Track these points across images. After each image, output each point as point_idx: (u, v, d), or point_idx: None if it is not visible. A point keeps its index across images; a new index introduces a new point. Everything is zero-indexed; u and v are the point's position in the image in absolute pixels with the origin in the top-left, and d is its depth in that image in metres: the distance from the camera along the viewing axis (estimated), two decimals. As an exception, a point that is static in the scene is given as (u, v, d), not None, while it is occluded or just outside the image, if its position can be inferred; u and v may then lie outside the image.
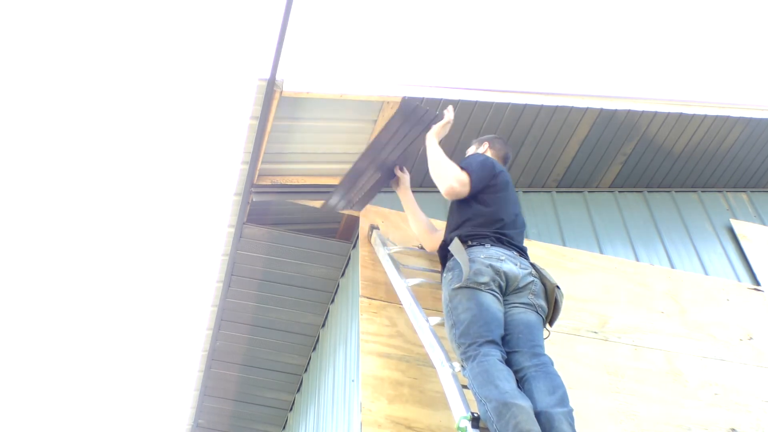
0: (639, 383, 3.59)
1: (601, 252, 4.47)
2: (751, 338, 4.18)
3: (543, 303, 3.05)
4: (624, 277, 4.21)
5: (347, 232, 4.50)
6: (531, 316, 2.98)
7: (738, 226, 5.10)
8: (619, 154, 4.85)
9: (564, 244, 4.38)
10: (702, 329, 4.09)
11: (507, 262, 3.03)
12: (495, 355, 2.73)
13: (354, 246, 4.26)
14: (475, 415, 2.51)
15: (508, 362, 2.80)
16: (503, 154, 3.60)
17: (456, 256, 3.03)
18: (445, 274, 3.12)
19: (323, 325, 4.80)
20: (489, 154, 3.56)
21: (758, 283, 4.69)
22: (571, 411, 2.63)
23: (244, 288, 4.65)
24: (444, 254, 3.20)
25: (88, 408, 14.52)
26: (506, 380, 2.61)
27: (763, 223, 5.35)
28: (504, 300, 2.98)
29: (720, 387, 3.78)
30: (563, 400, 2.66)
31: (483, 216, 3.20)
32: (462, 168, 3.27)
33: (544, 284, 3.09)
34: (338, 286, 4.54)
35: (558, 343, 3.56)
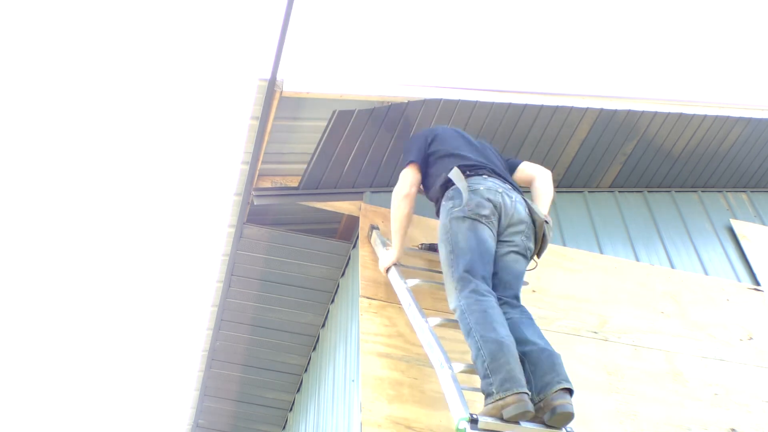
0: (639, 383, 3.59)
1: (601, 252, 4.47)
2: (751, 338, 4.18)
3: (531, 245, 3.15)
4: (624, 277, 4.21)
5: (347, 232, 4.50)
6: (521, 264, 3.11)
7: (738, 226, 5.10)
8: (619, 154, 4.85)
9: (564, 244, 4.38)
10: (702, 329, 4.09)
11: (504, 195, 3.12)
12: (490, 295, 2.85)
13: (354, 246, 4.26)
14: (475, 416, 2.51)
15: None
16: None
17: (457, 183, 3.11)
18: (444, 203, 3.18)
19: (323, 325, 4.81)
20: None
21: (758, 283, 4.69)
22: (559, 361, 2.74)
23: (244, 288, 4.65)
24: (443, 185, 3.26)
25: (89, 408, 14.53)
26: (503, 326, 2.72)
27: (763, 223, 5.35)
28: (498, 236, 3.08)
29: (720, 387, 3.78)
30: (553, 348, 2.79)
31: (444, 153, 3.34)
32: (403, 169, 3.43)
33: (533, 220, 3.16)
34: (338, 286, 4.54)
35: (558, 343, 3.55)
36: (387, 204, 4.08)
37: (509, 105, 4.24)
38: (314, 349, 5.00)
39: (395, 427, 2.99)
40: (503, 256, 3.07)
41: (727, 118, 4.99)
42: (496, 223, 3.06)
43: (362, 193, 4.20)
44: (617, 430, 3.33)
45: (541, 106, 4.32)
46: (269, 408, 5.58)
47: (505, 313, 2.88)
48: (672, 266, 4.61)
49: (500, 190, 3.13)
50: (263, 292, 4.66)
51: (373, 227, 3.84)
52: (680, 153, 5.05)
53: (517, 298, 3.04)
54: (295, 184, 4.16)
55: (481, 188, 3.10)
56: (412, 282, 3.38)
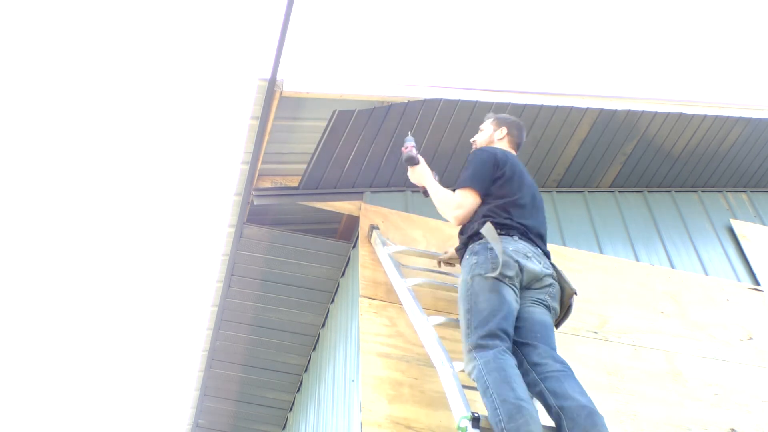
0: (639, 383, 3.59)
1: (601, 252, 4.47)
2: (751, 338, 4.18)
3: (557, 306, 3.05)
4: (624, 277, 4.21)
5: (347, 232, 4.50)
6: (547, 318, 2.98)
7: (738, 226, 5.10)
8: (619, 154, 4.85)
9: (564, 244, 4.38)
10: (702, 329, 4.09)
11: (533, 260, 3.00)
12: (509, 355, 2.71)
13: (354, 246, 4.26)
14: (476, 414, 2.50)
15: (523, 354, 2.81)
16: (518, 141, 3.51)
17: (491, 242, 2.95)
18: (468, 257, 3.04)
19: (323, 325, 4.80)
20: (506, 141, 3.46)
21: (758, 283, 4.69)
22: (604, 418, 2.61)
23: (244, 288, 4.65)
24: (468, 237, 3.12)
25: (89, 408, 14.52)
26: (521, 385, 2.60)
27: (763, 223, 5.35)
28: (521, 293, 2.96)
29: (720, 387, 3.78)
30: (596, 407, 2.64)
31: (501, 200, 3.14)
32: (458, 187, 3.22)
33: (562, 287, 3.07)
34: (338, 286, 4.54)
35: (558, 343, 3.55)
36: (387, 204, 4.09)
37: (509, 105, 4.24)
38: (314, 349, 5.00)
39: (395, 427, 2.99)
40: (528, 307, 2.95)
41: (727, 118, 4.98)
42: (518, 284, 2.94)
43: (362, 193, 4.20)
44: (617, 430, 3.33)
45: (541, 106, 4.32)
46: (269, 408, 5.58)
47: (545, 364, 2.77)
48: (672, 266, 4.61)
49: (529, 254, 3.01)
50: (263, 292, 4.66)
51: (373, 227, 3.84)
52: (680, 153, 5.05)
53: (553, 348, 2.88)
54: (295, 184, 4.16)
55: (510, 249, 2.96)
56: (413, 281, 3.38)
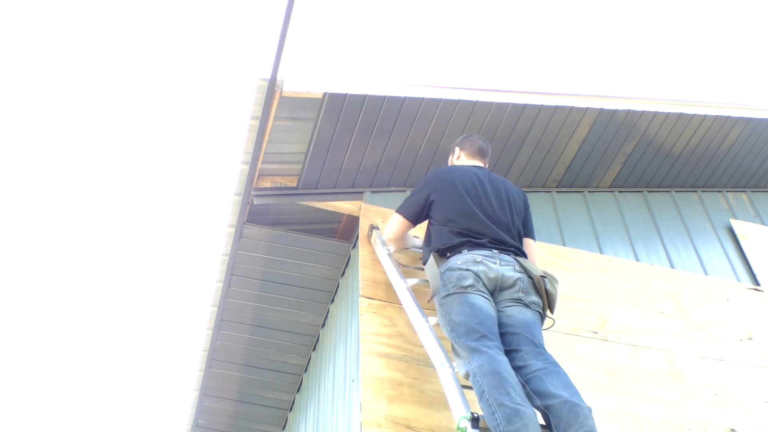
0: (639, 383, 3.59)
1: (601, 252, 4.47)
2: (750, 338, 4.18)
3: (535, 298, 3.04)
4: (624, 277, 4.21)
5: (347, 232, 4.50)
6: (527, 314, 2.98)
7: (738, 226, 5.10)
8: (619, 154, 4.85)
9: (564, 244, 4.38)
10: (702, 329, 4.09)
11: (483, 263, 3.03)
12: (502, 356, 2.73)
13: (354, 246, 4.26)
14: (476, 415, 2.51)
15: (511, 359, 2.80)
16: (476, 149, 3.61)
17: (427, 272, 3.19)
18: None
19: (323, 325, 4.81)
20: (462, 156, 3.61)
21: (758, 283, 4.69)
22: (591, 408, 2.63)
23: (244, 288, 4.65)
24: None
25: (89, 408, 14.53)
26: (517, 388, 2.61)
27: (763, 223, 5.35)
28: (496, 300, 2.99)
29: (720, 387, 3.78)
30: (581, 398, 2.66)
31: (441, 221, 3.28)
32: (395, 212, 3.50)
33: (530, 278, 3.07)
34: (338, 286, 4.54)
35: (558, 343, 3.56)
36: (387, 204, 4.09)
37: (509, 105, 4.24)
38: (314, 349, 5.00)
39: (395, 427, 2.99)
40: (505, 309, 2.98)
41: (727, 118, 4.98)
42: (484, 289, 2.97)
43: (362, 193, 4.20)
44: (617, 430, 3.33)
45: (541, 106, 4.32)
46: (269, 408, 5.58)
47: (527, 366, 2.78)
48: (672, 266, 4.61)
49: (479, 259, 3.04)
50: (263, 292, 4.66)
51: (373, 227, 3.84)
52: (680, 153, 5.06)
53: (536, 345, 2.89)
54: (295, 184, 4.16)
55: (459, 262, 3.04)
56: (413, 282, 3.38)
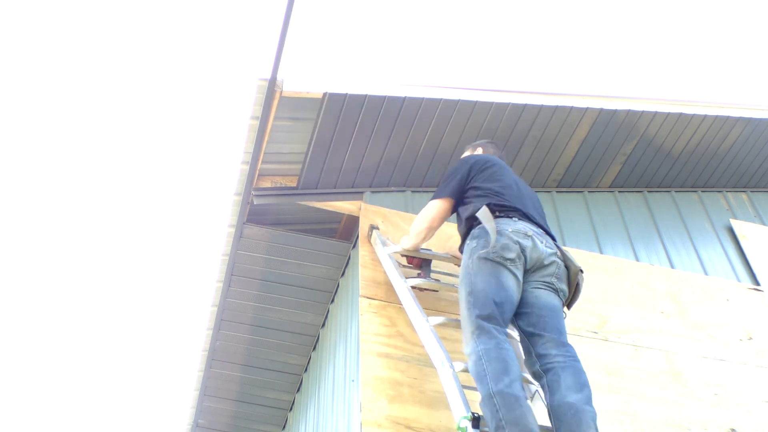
0: (639, 383, 3.59)
1: (601, 252, 4.47)
2: (751, 338, 4.18)
3: (564, 287, 3.00)
4: (624, 277, 4.21)
5: (347, 232, 4.50)
6: (554, 300, 2.94)
7: (738, 226, 5.10)
8: (619, 154, 4.85)
9: (564, 244, 4.37)
10: (702, 329, 4.09)
11: (534, 239, 2.97)
12: (508, 344, 2.70)
13: (354, 246, 4.26)
14: (476, 415, 2.51)
15: (531, 343, 2.80)
16: (499, 156, 3.64)
17: (484, 223, 2.96)
18: (468, 241, 3.04)
19: (323, 325, 4.81)
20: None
21: (758, 283, 4.69)
22: (596, 414, 2.59)
23: (244, 288, 4.65)
24: (469, 225, 3.14)
25: (89, 408, 14.53)
26: (519, 381, 2.59)
27: (763, 223, 5.35)
28: (525, 277, 2.93)
29: (720, 387, 3.78)
30: (590, 400, 2.62)
31: (486, 190, 3.18)
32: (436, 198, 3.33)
33: (567, 267, 3.03)
34: (338, 286, 4.54)
35: (558, 343, 3.56)
36: (387, 204, 4.09)
37: (509, 105, 4.24)
38: (314, 349, 5.00)
39: (395, 427, 2.99)
40: (533, 290, 2.92)
41: (727, 118, 4.99)
42: (521, 267, 2.90)
43: (362, 193, 4.20)
44: (617, 430, 3.33)
45: (541, 106, 4.32)
46: (269, 408, 5.58)
47: (547, 355, 2.75)
48: (672, 266, 4.61)
49: (530, 233, 2.97)
50: (263, 292, 4.66)
51: (373, 227, 3.84)
52: (680, 153, 5.06)
53: (560, 332, 2.84)
54: (295, 184, 4.16)
55: (509, 230, 2.94)
56: (413, 281, 3.38)
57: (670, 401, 3.58)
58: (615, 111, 4.56)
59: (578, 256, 4.22)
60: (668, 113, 4.73)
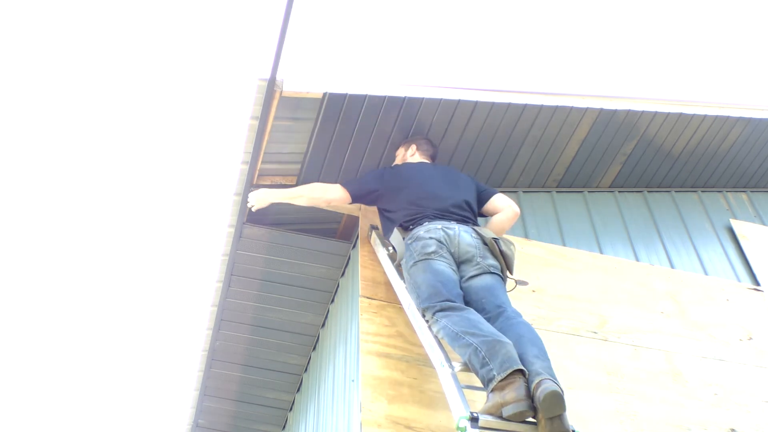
0: (639, 383, 3.59)
1: (601, 252, 4.47)
2: (751, 338, 4.18)
3: (492, 261, 3.25)
4: (624, 277, 4.21)
5: (347, 232, 4.50)
6: (487, 279, 3.17)
7: (738, 226, 5.10)
8: (619, 154, 4.85)
9: (564, 244, 4.38)
10: (702, 329, 4.09)
11: (444, 230, 3.28)
12: (470, 311, 2.91)
13: (354, 246, 4.26)
14: (475, 414, 2.51)
15: None
16: (431, 153, 3.97)
17: (392, 242, 3.37)
18: (402, 263, 3.32)
19: (323, 325, 4.80)
20: (417, 155, 3.91)
21: (758, 283, 4.69)
22: (550, 365, 2.72)
23: (244, 288, 4.65)
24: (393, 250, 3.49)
25: (89, 408, 14.53)
26: (487, 324, 2.81)
27: (763, 223, 5.35)
28: (459, 271, 3.19)
29: (720, 387, 3.78)
30: (543, 352, 2.76)
31: (402, 202, 3.54)
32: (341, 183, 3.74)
33: (485, 243, 3.29)
34: (338, 286, 4.54)
35: (558, 343, 3.57)
36: (387, 204, 4.08)
37: (509, 105, 4.24)
38: (314, 349, 5.00)
39: (395, 427, 2.99)
40: (468, 280, 3.17)
41: (727, 118, 4.99)
42: (448, 255, 3.20)
43: (362, 193, 4.19)
44: (617, 430, 3.33)
45: (541, 106, 4.32)
46: (269, 408, 5.58)
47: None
48: (672, 266, 4.61)
49: (439, 227, 3.30)
50: (263, 292, 4.66)
51: (372, 227, 3.84)
52: (680, 153, 5.06)
53: (498, 305, 3.05)
54: (295, 184, 4.16)
55: (421, 232, 3.28)
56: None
57: (670, 401, 3.58)
58: (615, 111, 4.56)
59: (578, 256, 4.23)
60: (668, 113, 4.73)
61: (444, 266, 3.14)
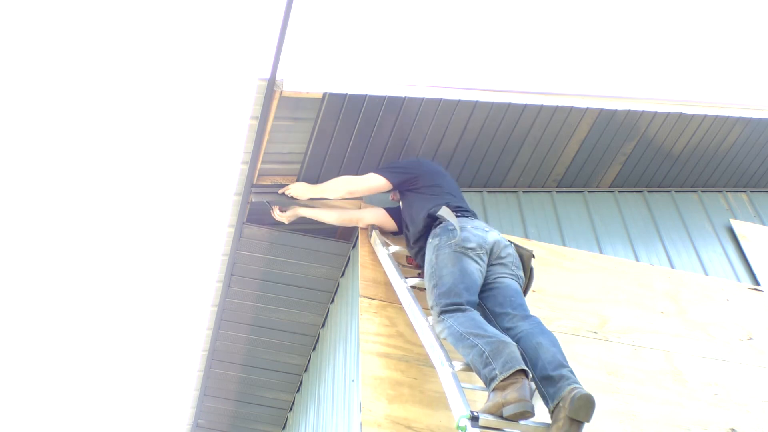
0: (639, 383, 3.59)
1: (601, 252, 4.47)
2: (750, 338, 4.18)
3: (521, 273, 3.31)
4: (624, 277, 4.21)
5: (347, 232, 4.50)
6: (515, 284, 3.21)
7: (738, 226, 5.10)
8: (619, 154, 4.85)
9: (564, 244, 4.38)
10: (702, 329, 4.09)
11: (491, 232, 3.30)
12: (478, 313, 2.93)
13: (354, 246, 4.26)
14: (476, 414, 2.51)
15: (498, 321, 3.02)
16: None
17: (448, 218, 3.26)
18: (430, 240, 3.29)
19: (323, 325, 4.80)
20: None
21: (758, 283, 4.69)
22: (572, 371, 2.74)
23: (244, 288, 4.65)
24: (427, 224, 3.41)
25: (89, 408, 14.53)
26: (493, 327, 2.84)
27: (763, 223, 5.35)
28: (489, 270, 3.20)
29: (720, 387, 3.78)
30: (565, 359, 2.78)
31: (445, 190, 3.58)
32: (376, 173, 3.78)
33: (520, 255, 3.34)
34: (338, 286, 4.54)
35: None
36: (387, 204, 4.09)
37: (509, 105, 4.24)
38: (314, 349, 5.00)
39: (395, 427, 2.99)
40: (496, 280, 3.19)
41: (727, 118, 4.98)
42: (485, 257, 3.19)
43: (362, 193, 4.19)
44: (617, 430, 3.33)
45: (541, 106, 4.32)
46: (269, 408, 5.58)
47: (515, 327, 2.95)
48: (672, 266, 4.61)
49: (487, 229, 3.32)
50: (263, 292, 4.66)
51: (372, 227, 3.84)
52: (680, 153, 5.06)
53: (525, 310, 3.08)
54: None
55: (468, 226, 3.26)
56: (412, 281, 3.39)
57: (670, 401, 3.58)
58: (615, 111, 4.56)
59: (578, 256, 4.23)
60: (668, 113, 4.73)
61: (475, 268, 3.13)
